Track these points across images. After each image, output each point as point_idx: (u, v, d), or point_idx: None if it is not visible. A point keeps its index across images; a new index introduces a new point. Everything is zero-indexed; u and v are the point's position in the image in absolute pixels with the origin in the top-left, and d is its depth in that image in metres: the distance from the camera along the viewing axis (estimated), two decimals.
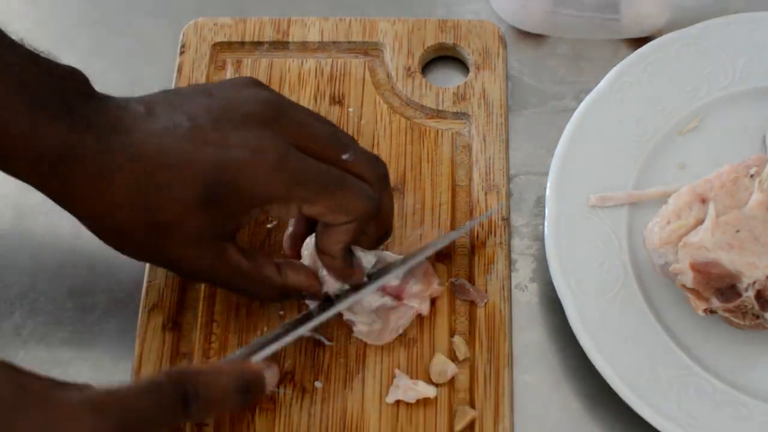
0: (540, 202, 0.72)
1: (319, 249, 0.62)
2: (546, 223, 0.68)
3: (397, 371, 0.64)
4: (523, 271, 0.70)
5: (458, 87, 0.75)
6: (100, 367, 0.67)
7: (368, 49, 0.77)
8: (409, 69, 0.76)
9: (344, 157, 0.61)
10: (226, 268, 0.61)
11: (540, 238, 0.70)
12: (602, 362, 0.63)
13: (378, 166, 0.63)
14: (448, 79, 0.77)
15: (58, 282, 0.70)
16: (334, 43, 0.77)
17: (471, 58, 0.76)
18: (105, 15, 0.83)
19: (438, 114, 0.74)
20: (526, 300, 0.69)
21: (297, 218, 0.65)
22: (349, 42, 0.77)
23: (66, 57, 0.61)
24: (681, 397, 0.63)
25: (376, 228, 0.64)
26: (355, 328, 0.66)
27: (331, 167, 0.60)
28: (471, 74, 0.76)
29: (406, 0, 0.82)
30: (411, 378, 0.64)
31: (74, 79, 0.59)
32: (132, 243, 0.60)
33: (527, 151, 0.75)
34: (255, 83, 0.63)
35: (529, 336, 0.68)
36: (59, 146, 0.56)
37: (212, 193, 0.58)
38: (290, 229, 0.66)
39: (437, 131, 0.73)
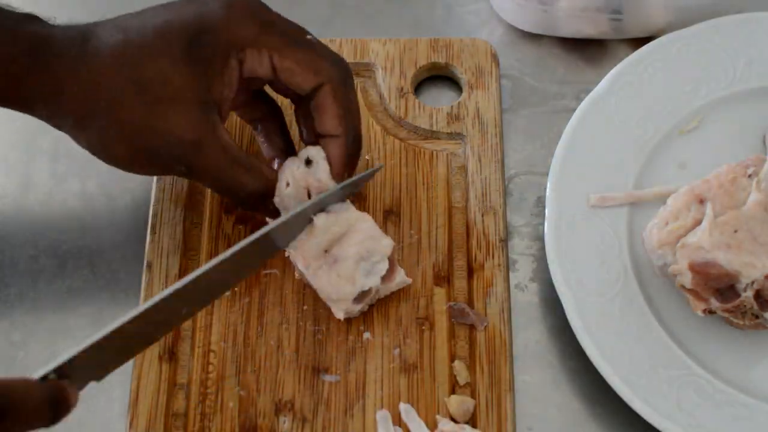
0: (540, 202, 0.72)
1: (320, 133, 0.64)
2: (546, 223, 0.68)
3: (438, 417, 0.64)
4: (523, 271, 0.70)
5: (452, 107, 0.74)
6: None
7: (360, 70, 0.75)
8: (401, 89, 0.75)
9: (308, 37, 0.64)
10: (216, 147, 0.61)
11: (540, 238, 0.70)
12: (602, 362, 0.63)
13: (341, 60, 0.65)
14: (441, 99, 0.76)
15: (58, 282, 0.70)
16: None
17: (464, 78, 0.75)
18: None
19: (432, 135, 0.73)
20: (526, 300, 0.69)
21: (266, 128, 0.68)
22: None
23: None
24: (681, 397, 0.63)
25: (347, 116, 0.65)
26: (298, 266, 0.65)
27: (302, 32, 0.64)
28: (464, 94, 0.75)
29: (407, 0, 0.82)
30: (455, 422, 0.64)
31: (33, 17, 0.61)
32: (120, 125, 0.60)
33: (527, 151, 0.75)
34: None
35: (529, 336, 0.68)
36: (34, 39, 0.59)
37: (194, 42, 0.60)
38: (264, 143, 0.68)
39: (432, 152, 0.73)
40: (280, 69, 0.63)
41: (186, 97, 0.60)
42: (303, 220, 0.64)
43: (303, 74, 0.63)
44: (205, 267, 0.58)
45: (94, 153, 0.62)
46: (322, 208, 0.64)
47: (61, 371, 0.52)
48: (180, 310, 0.58)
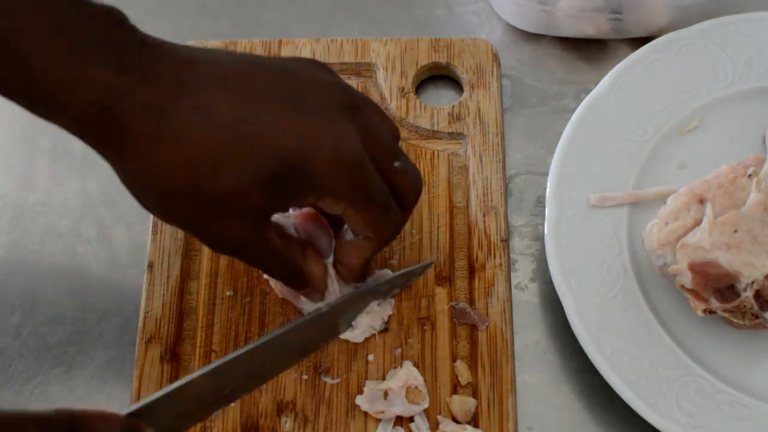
0: (540, 202, 0.72)
1: (339, 260, 0.64)
2: (546, 223, 0.68)
3: (440, 417, 0.64)
4: (523, 271, 0.70)
5: (453, 107, 0.74)
6: (100, 367, 0.68)
7: (361, 70, 0.75)
8: (402, 89, 0.75)
9: (396, 164, 0.60)
10: (260, 245, 0.59)
11: (540, 238, 0.71)
12: (602, 362, 0.63)
13: (419, 180, 0.63)
14: (442, 99, 0.76)
15: (58, 283, 0.70)
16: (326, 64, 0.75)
17: (465, 77, 0.75)
18: None
19: (433, 135, 0.73)
20: (526, 300, 0.70)
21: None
22: (341, 63, 0.75)
23: None
24: (681, 397, 0.63)
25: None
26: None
27: (383, 183, 0.60)
28: (465, 93, 0.75)
29: (407, 0, 0.82)
30: (457, 423, 0.64)
31: (114, 18, 0.53)
32: (174, 208, 0.57)
33: (527, 151, 0.75)
34: (319, 65, 0.61)
35: (529, 336, 0.68)
36: (109, 92, 0.52)
37: (284, 174, 0.56)
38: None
39: (433, 152, 0.73)
40: (346, 214, 0.60)
41: (249, 210, 0.57)
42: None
43: (364, 227, 0.61)
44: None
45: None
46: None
47: (142, 414, 0.53)
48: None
